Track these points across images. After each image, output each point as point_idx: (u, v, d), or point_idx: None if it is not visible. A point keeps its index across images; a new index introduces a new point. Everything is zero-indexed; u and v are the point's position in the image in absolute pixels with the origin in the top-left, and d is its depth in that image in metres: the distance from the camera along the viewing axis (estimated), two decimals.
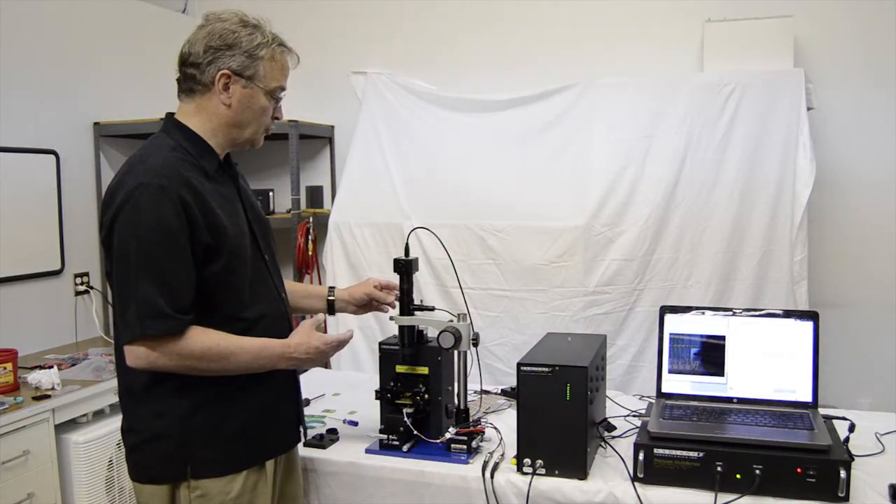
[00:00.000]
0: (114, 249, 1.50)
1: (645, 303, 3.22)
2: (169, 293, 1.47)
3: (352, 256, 3.52)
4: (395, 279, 1.94)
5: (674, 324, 1.96)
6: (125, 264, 1.48)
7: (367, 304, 2.01)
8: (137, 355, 1.49)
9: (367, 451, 1.88)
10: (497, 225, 3.35)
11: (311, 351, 1.63)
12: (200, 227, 1.51)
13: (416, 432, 1.83)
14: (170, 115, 1.66)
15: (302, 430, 1.81)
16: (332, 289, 2.01)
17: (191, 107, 1.63)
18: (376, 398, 1.89)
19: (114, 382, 2.78)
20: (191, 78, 1.60)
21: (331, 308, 1.99)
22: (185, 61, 1.61)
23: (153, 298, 1.46)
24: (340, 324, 3.48)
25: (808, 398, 1.85)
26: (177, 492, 1.57)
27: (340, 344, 1.69)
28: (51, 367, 2.74)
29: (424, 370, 1.86)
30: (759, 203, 3.13)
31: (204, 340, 1.51)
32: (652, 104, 3.25)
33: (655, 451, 1.65)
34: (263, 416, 1.65)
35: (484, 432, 1.90)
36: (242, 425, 1.61)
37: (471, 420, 1.88)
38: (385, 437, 1.87)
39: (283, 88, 1.66)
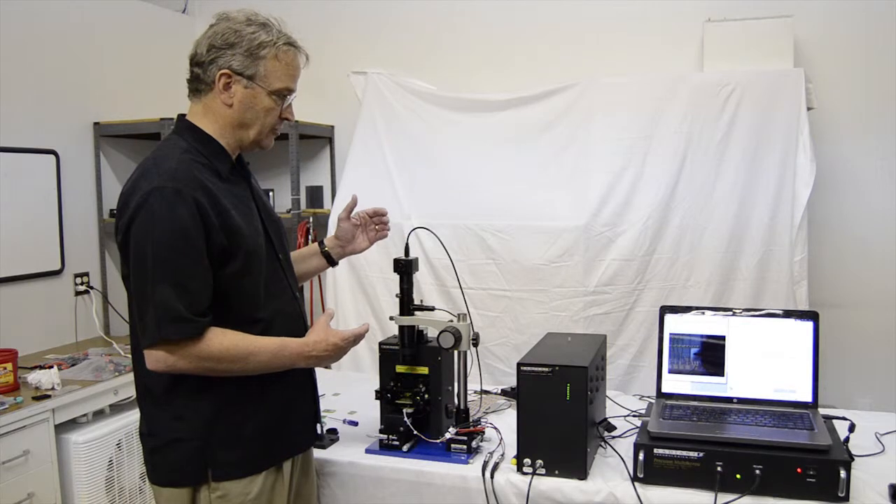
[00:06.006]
0: (130, 254, 1.49)
1: (645, 303, 3.22)
2: (187, 296, 1.47)
3: (351, 256, 3.51)
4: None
5: (674, 324, 1.96)
6: (142, 269, 1.47)
7: (355, 236, 2.05)
8: (157, 359, 1.49)
9: (367, 451, 1.88)
10: (497, 225, 3.34)
11: (330, 347, 1.63)
12: (216, 229, 1.51)
13: (416, 432, 1.83)
14: (181, 117, 1.65)
15: (319, 427, 1.82)
16: (321, 242, 2.04)
17: (199, 107, 1.62)
18: (376, 398, 1.89)
19: (114, 382, 2.81)
20: (196, 78, 1.60)
21: (330, 259, 2.02)
22: (192, 61, 1.61)
23: (171, 302, 1.45)
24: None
25: (808, 398, 1.85)
26: (197, 494, 1.56)
27: (357, 338, 1.68)
28: (51, 367, 2.74)
29: (424, 370, 1.86)
30: (759, 203, 3.13)
31: (223, 342, 1.51)
32: (652, 104, 3.25)
33: (655, 451, 1.65)
34: (282, 415, 1.65)
35: (484, 432, 1.90)
36: (262, 426, 1.61)
37: (471, 420, 1.88)
38: (385, 437, 1.87)
39: (289, 89, 1.63)
